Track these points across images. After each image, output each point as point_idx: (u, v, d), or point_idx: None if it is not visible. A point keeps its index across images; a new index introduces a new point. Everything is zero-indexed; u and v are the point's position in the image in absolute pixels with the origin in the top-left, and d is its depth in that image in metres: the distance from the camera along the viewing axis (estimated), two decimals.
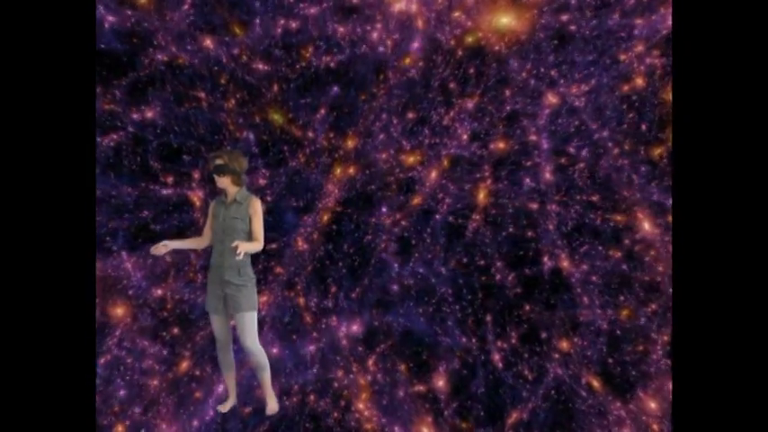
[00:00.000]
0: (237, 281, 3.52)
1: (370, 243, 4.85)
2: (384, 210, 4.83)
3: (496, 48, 4.67)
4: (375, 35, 4.69)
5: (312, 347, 4.75)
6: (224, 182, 3.56)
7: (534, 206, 4.75)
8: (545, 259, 4.76)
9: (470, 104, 4.73)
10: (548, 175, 4.75)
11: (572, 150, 4.73)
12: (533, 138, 4.71)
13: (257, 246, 3.51)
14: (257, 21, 4.61)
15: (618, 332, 4.63)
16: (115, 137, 4.59)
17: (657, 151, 4.64)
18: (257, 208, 3.56)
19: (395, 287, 4.85)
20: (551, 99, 4.68)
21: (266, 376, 3.69)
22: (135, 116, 4.61)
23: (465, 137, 4.74)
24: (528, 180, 4.77)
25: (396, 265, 4.85)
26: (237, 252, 3.27)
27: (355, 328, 4.80)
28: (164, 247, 3.52)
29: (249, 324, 3.53)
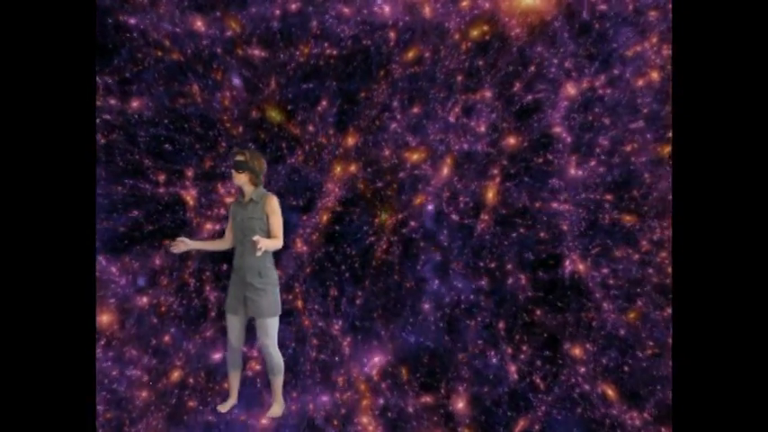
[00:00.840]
0: (258, 284, 3.51)
1: (372, 244, 4.68)
2: (390, 209, 4.67)
3: (515, 33, 4.49)
4: (380, 22, 4.49)
5: (313, 354, 4.58)
6: (241, 179, 3.54)
7: (555, 205, 4.59)
8: (567, 263, 4.62)
9: (487, 95, 4.56)
10: (572, 172, 4.58)
11: (590, 147, 4.57)
12: (556, 130, 4.55)
13: (277, 243, 3.49)
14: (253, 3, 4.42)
15: (632, 337, 4.48)
16: (94, 127, 4.37)
17: (666, 150, 4.51)
18: (274, 206, 3.54)
19: (402, 292, 4.70)
20: (570, 90, 4.50)
21: (279, 380, 3.73)
22: (115, 104, 4.39)
23: (483, 128, 4.56)
24: (549, 178, 4.62)
25: (401, 269, 4.70)
26: (259, 246, 3.25)
27: (358, 333, 4.66)
28: (183, 245, 3.51)
29: (271, 328, 3.56)
